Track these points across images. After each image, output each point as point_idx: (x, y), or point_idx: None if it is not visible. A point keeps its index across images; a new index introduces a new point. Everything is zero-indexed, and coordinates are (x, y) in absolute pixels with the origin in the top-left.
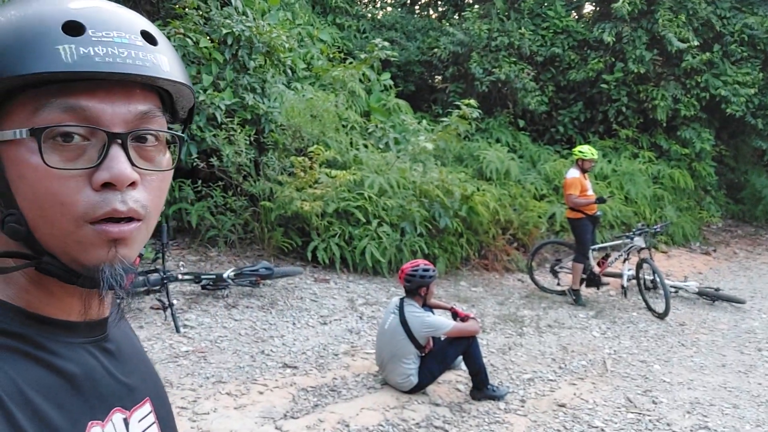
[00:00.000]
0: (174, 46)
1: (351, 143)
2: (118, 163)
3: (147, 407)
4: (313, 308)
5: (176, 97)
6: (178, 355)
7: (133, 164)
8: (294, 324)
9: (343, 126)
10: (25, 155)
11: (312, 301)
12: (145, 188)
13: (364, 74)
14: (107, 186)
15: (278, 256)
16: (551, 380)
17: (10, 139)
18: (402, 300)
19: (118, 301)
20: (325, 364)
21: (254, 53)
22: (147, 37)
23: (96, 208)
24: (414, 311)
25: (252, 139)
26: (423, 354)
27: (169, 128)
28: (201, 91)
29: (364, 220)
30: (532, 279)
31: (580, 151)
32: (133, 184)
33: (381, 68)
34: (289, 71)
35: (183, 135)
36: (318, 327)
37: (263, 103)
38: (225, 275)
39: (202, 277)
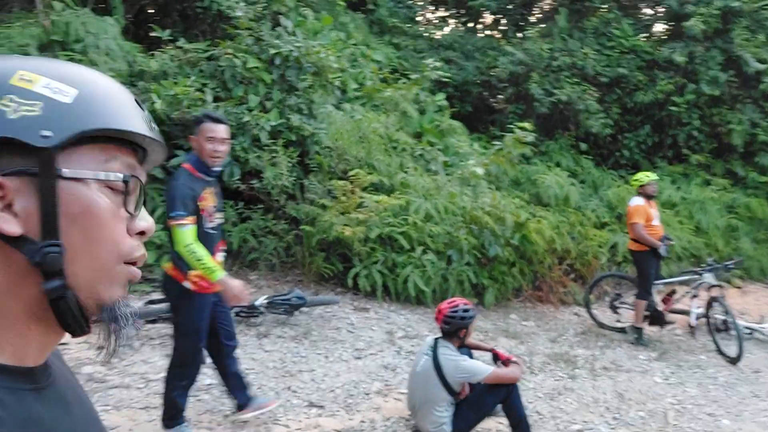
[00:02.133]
0: (222, 67)
1: (400, 166)
2: (147, 215)
3: None
4: (348, 340)
5: (151, 158)
6: (200, 389)
7: None
8: (326, 357)
9: (393, 148)
10: (94, 195)
11: (348, 332)
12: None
13: (416, 94)
14: (140, 234)
15: (319, 282)
16: None
17: (76, 178)
18: (437, 341)
19: (113, 334)
20: (354, 405)
21: (302, 73)
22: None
23: (134, 251)
24: (448, 354)
25: (296, 161)
26: (458, 401)
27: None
28: (246, 112)
29: (409, 247)
30: (590, 314)
31: (635, 180)
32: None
33: (436, 88)
34: (338, 92)
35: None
36: (351, 362)
37: (309, 124)
38: (257, 303)
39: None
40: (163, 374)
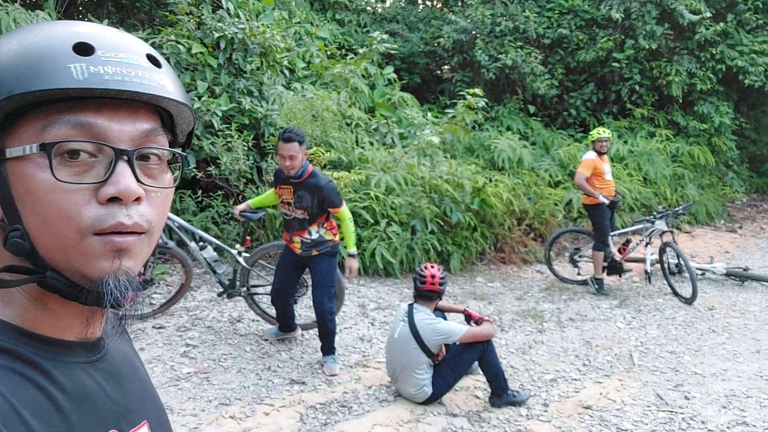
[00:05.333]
0: (166, 54)
1: (356, 142)
2: (125, 178)
3: (144, 430)
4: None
5: (177, 120)
6: (180, 378)
7: (138, 181)
8: (301, 335)
9: (347, 124)
10: (33, 171)
11: None
12: (149, 204)
13: (365, 69)
14: (113, 201)
15: None
16: (575, 380)
17: (18, 156)
18: (411, 306)
19: (119, 317)
20: (335, 378)
21: (249, 55)
22: (152, 59)
23: (102, 221)
24: (425, 318)
25: (251, 144)
26: (436, 363)
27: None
28: (196, 99)
29: (373, 221)
30: (551, 270)
31: (594, 134)
32: (138, 200)
33: (384, 62)
34: (286, 72)
35: (184, 154)
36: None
37: (261, 106)
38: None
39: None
40: None
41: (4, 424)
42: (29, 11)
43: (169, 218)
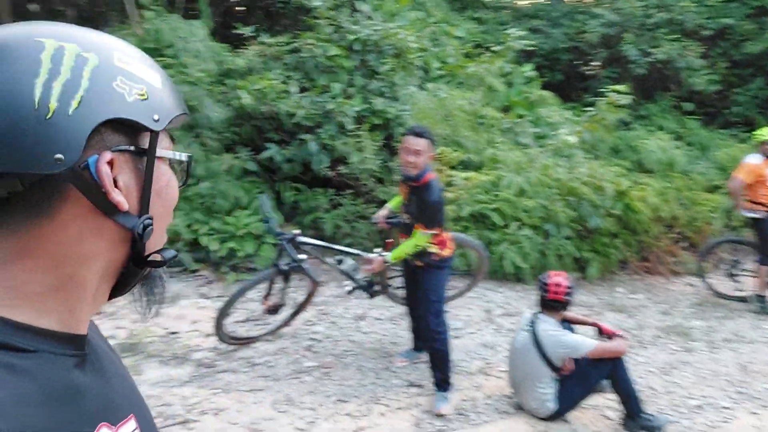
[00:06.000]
0: (304, 58)
1: (488, 141)
2: None
3: (132, 423)
4: None
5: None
6: (302, 371)
7: None
8: None
9: (480, 124)
10: (166, 169)
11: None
12: None
13: (501, 68)
14: None
15: None
16: (726, 408)
17: (161, 157)
18: (535, 315)
19: (153, 293)
20: (455, 383)
21: (383, 57)
22: None
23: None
24: (549, 329)
25: (381, 144)
26: (561, 377)
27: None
28: (330, 99)
29: (502, 223)
30: (705, 283)
31: (757, 134)
32: None
33: (523, 59)
34: (420, 72)
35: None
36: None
37: (393, 106)
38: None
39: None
40: (266, 358)
41: (2, 417)
42: (187, 20)
43: (306, 243)
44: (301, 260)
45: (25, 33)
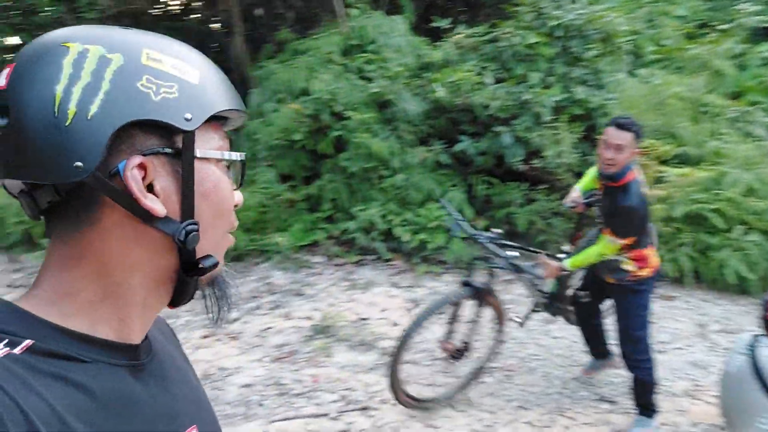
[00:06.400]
0: (502, 47)
1: (711, 133)
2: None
3: None
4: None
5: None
6: (483, 371)
7: None
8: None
9: (703, 113)
10: (220, 172)
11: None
12: None
13: (729, 49)
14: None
15: None
16: None
17: (206, 158)
18: (756, 338)
19: (221, 301)
20: (659, 409)
21: (587, 42)
22: None
23: (235, 223)
24: None
25: (581, 136)
26: None
27: None
28: (527, 90)
29: (724, 227)
30: None
31: None
32: None
33: (760, 38)
34: (630, 57)
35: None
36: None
37: (596, 95)
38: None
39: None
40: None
41: (47, 429)
42: (389, 17)
43: (498, 255)
44: (514, 257)
45: (54, 38)
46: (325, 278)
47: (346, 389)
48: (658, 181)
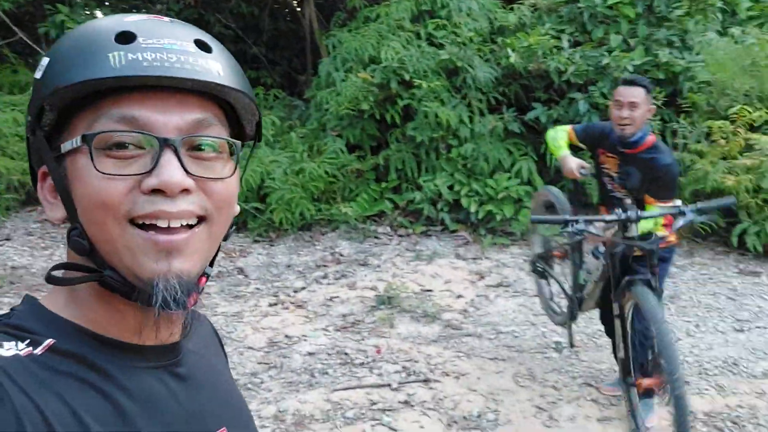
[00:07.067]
0: (580, 8)
1: None
2: (169, 168)
3: None
4: (728, 308)
5: (239, 110)
6: (548, 346)
7: (187, 172)
8: (697, 326)
9: None
10: (81, 162)
11: (729, 299)
12: (203, 195)
13: None
14: (158, 193)
15: (693, 239)
16: None
17: (72, 150)
18: None
19: (184, 322)
20: (730, 386)
21: (674, 1)
22: (200, 44)
23: (138, 207)
24: None
25: (663, 101)
26: None
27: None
28: (607, 54)
29: None
30: None
31: None
32: (186, 191)
33: None
34: (722, 15)
35: (237, 142)
36: (730, 334)
37: (682, 58)
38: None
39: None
40: (513, 328)
41: (66, 429)
42: None
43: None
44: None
45: None
46: (390, 249)
47: (408, 360)
48: (747, 148)
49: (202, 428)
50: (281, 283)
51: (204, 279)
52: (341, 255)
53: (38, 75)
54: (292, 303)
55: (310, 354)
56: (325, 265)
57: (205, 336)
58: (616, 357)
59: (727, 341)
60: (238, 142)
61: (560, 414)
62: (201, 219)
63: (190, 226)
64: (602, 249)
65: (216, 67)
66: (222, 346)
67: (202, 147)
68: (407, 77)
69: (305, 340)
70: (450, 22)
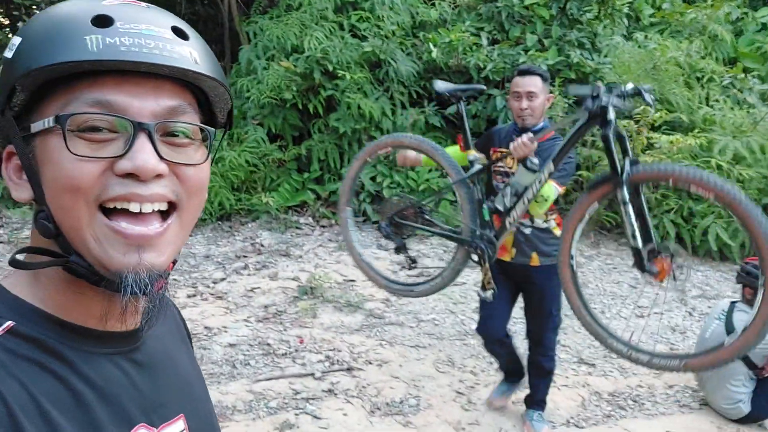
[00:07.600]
0: (499, 8)
1: (704, 99)
2: (143, 153)
3: (180, 424)
4: (630, 296)
5: (212, 98)
6: (467, 333)
7: (161, 157)
8: (602, 313)
9: (697, 79)
10: (53, 143)
11: (631, 288)
12: (176, 180)
13: (727, 14)
14: (131, 177)
15: (599, 232)
16: None
17: (42, 131)
18: (733, 305)
19: (147, 310)
20: (631, 367)
21: (586, 4)
22: (177, 32)
23: (110, 190)
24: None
25: (575, 101)
26: (761, 376)
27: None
28: (523, 53)
29: None
30: None
31: None
32: (159, 176)
33: (759, 3)
34: (628, 21)
35: (212, 129)
36: (632, 320)
37: (591, 59)
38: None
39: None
40: (433, 316)
41: (24, 413)
42: None
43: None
44: None
45: None
46: (312, 239)
47: (332, 350)
48: (649, 147)
49: (161, 415)
50: (199, 274)
51: (171, 264)
52: (262, 245)
53: (8, 54)
54: (211, 294)
55: (231, 345)
56: (245, 256)
57: (170, 323)
58: (501, 368)
59: (629, 326)
60: (213, 129)
61: (478, 398)
62: (172, 206)
63: (161, 213)
64: (536, 160)
65: (193, 54)
66: (188, 334)
67: (176, 133)
68: (330, 68)
69: (226, 331)
70: (373, 15)
